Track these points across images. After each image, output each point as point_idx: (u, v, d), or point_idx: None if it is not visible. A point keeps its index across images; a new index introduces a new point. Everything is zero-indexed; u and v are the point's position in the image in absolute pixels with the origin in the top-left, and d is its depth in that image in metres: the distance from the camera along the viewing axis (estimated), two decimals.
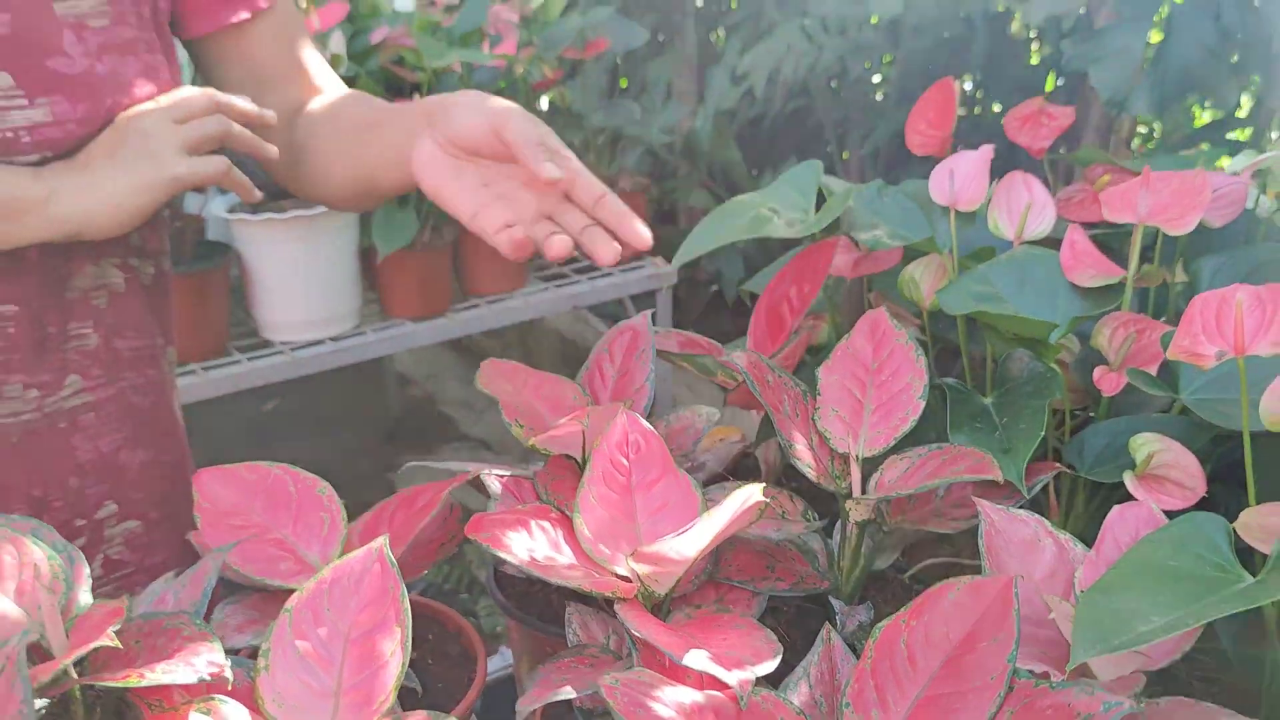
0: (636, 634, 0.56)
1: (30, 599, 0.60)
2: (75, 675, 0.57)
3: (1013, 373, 0.75)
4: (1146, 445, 0.66)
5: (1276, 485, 0.63)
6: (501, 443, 2.56)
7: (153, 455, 0.93)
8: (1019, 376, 0.75)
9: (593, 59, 1.84)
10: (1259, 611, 0.59)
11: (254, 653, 0.58)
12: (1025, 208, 0.82)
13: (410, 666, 0.61)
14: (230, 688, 0.55)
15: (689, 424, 0.76)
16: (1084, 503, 0.73)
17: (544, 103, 1.83)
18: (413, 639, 0.55)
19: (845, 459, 0.69)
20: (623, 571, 0.62)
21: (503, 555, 0.60)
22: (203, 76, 0.92)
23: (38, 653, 0.57)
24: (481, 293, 1.68)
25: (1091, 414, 0.78)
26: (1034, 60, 2.36)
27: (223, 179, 0.81)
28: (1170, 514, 0.61)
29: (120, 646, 0.53)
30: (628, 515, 0.65)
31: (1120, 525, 0.61)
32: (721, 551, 0.67)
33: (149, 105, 0.80)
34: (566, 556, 0.62)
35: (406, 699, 0.66)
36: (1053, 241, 0.81)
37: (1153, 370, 0.70)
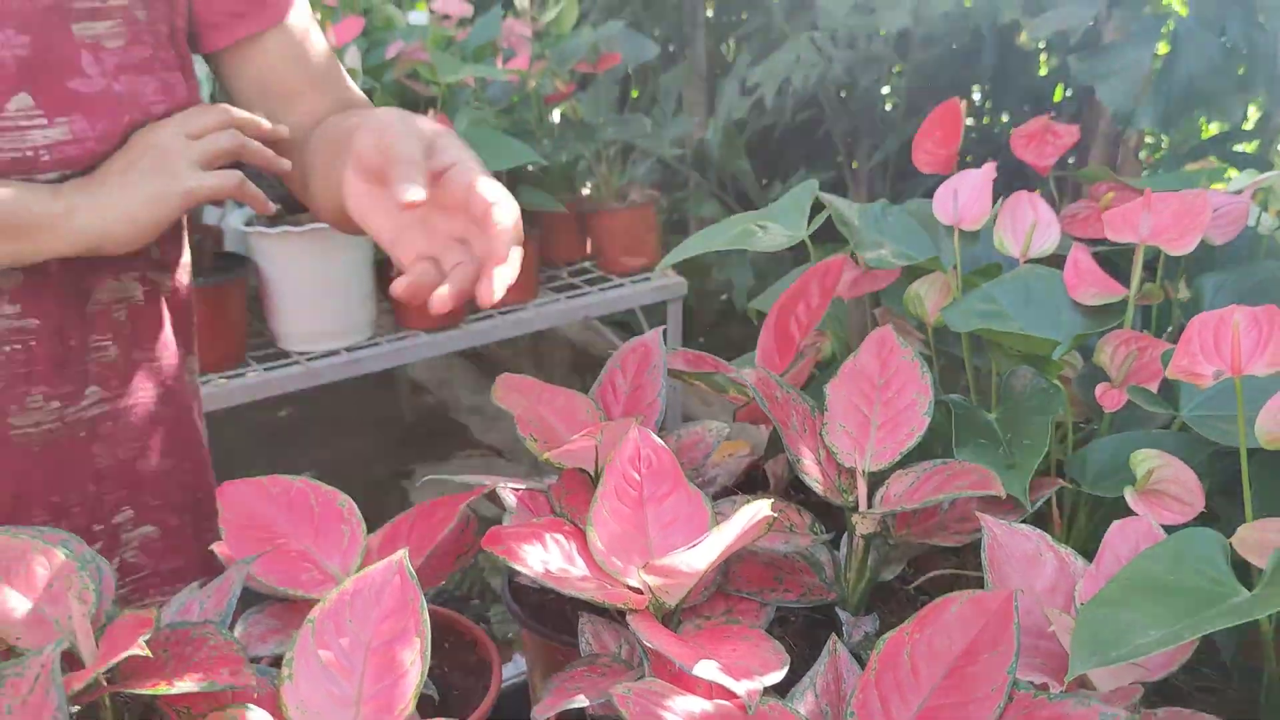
0: (648, 644, 0.58)
1: (61, 609, 0.62)
2: (104, 683, 0.59)
3: (1016, 389, 0.77)
4: (1147, 461, 0.67)
5: (1273, 500, 0.64)
6: (513, 450, 2.59)
7: (172, 463, 0.95)
8: (1023, 392, 0.76)
9: (604, 72, 1.86)
10: (1257, 625, 0.61)
11: (277, 661, 0.60)
12: (1030, 227, 0.83)
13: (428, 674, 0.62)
14: (255, 696, 0.57)
15: (699, 439, 0.78)
16: (1086, 517, 0.75)
17: (556, 115, 1.85)
18: (430, 648, 0.57)
19: (852, 473, 0.71)
20: (634, 583, 0.63)
21: (518, 568, 0.62)
22: (223, 93, 0.94)
23: (68, 661, 0.59)
24: (494, 304, 1.70)
25: (1094, 426, 0.80)
26: (1042, 71, 2.37)
27: (236, 192, 0.83)
28: (1170, 529, 0.62)
29: (151, 655, 0.55)
30: (639, 529, 0.66)
31: (1120, 540, 0.62)
32: (731, 564, 0.69)
33: (163, 121, 0.82)
34: (580, 569, 0.63)
35: (424, 706, 0.67)
36: (1057, 259, 0.82)
37: (1153, 387, 0.72)
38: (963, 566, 0.78)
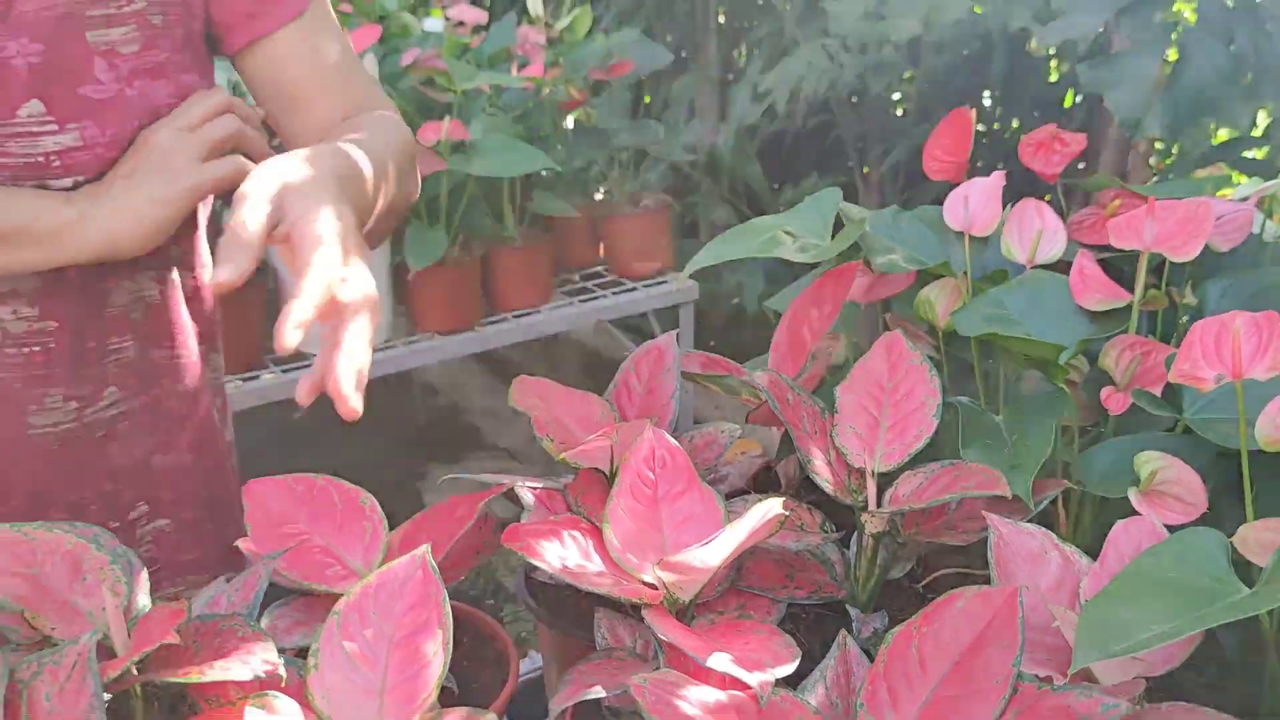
0: (663, 637, 0.59)
1: (94, 601, 0.64)
2: (135, 672, 0.61)
3: (1024, 392, 0.78)
4: (1150, 463, 0.69)
5: (1274, 501, 0.66)
6: (526, 452, 2.60)
7: (190, 459, 0.96)
8: (1029, 395, 0.78)
9: (617, 78, 1.88)
10: (1259, 624, 0.62)
11: (301, 653, 0.62)
12: (1037, 234, 0.85)
13: None
14: (282, 685, 0.59)
15: (712, 439, 0.80)
16: (1091, 517, 0.76)
17: (569, 121, 1.87)
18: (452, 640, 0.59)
19: (862, 474, 0.73)
20: (649, 579, 0.65)
21: (537, 563, 0.64)
22: (250, 98, 0.95)
23: (101, 651, 0.61)
24: (509, 307, 1.72)
25: (1101, 432, 0.81)
26: (1053, 78, 2.38)
27: (239, 176, 0.81)
28: (1172, 528, 0.64)
29: (183, 644, 0.57)
30: (654, 526, 0.68)
31: (1124, 539, 0.64)
32: (743, 561, 0.71)
33: (163, 119, 0.82)
34: (596, 564, 0.65)
35: (444, 698, 0.69)
36: (1064, 265, 0.84)
37: (1157, 391, 0.73)
38: (970, 565, 0.80)
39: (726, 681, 0.57)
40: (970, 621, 0.55)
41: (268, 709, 0.57)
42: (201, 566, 0.98)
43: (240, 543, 0.74)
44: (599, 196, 1.92)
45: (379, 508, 0.72)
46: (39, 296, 0.83)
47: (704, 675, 0.58)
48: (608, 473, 0.75)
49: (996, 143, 2.51)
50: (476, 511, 0.71)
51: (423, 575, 0.60)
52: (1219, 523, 0.62)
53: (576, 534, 0.67)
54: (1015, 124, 2.52)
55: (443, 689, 0.59)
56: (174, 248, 0.89)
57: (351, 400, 0.65)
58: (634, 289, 1.83)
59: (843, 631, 0.63)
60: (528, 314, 1.72)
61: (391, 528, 0.73)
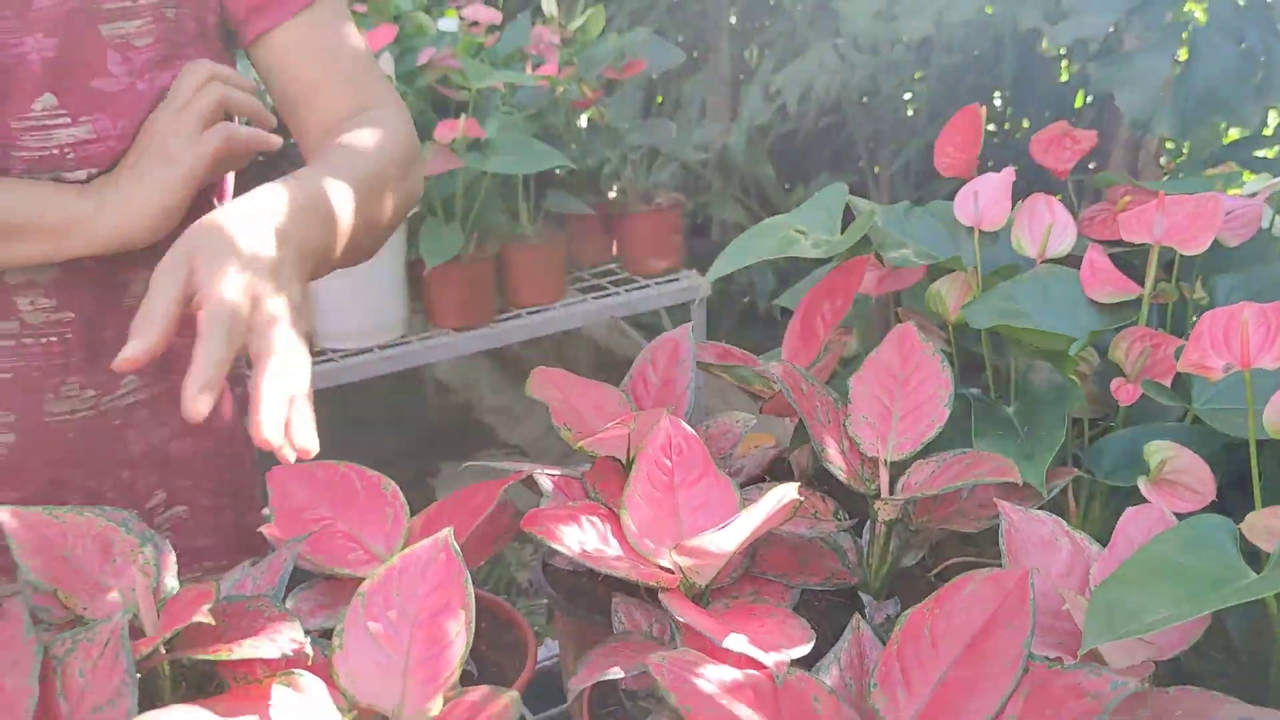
0: (680, 619, 0.61)
1: (124, 582, 0.66)
2: (164, 651, 0.62)
3: (1034, 384, 0.79)
4: (1160, 452, 0.70)
5: None
6: (537, 449, 2.62)
7: (208, 446, 0.97)
8: (1040, 387, 0.79)
9: (629, 78, 1.89)
10: (1266, 611, 0.63)
11: (325, 634, 0.63)
12: (1047, 228, 0.86)
13: None
14: (308, 664, 0.61)
15: (727, 429, 0.81)
16: (1101, 507, 0.77)
17: (583, 120, 1.89)
18: (474, 620, 0.60)
19: (874, 463, 0.74)
20: (666, 564, 0.66)
21: (556, 546, 0.65)
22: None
23: (131, 630, 0.63)
24: (523, 304, 1.74)
25: (1111, 425, 0.82)
26: (1063, 78, 2.39)
27: (230, 143, 0.82)
28: (1181, 517, 0.65)
29: (214, 623, 0.59)
30: (670, 512, 0.69)
31: (1133, 525, 0.65)
32: (757, 547, 0.72)
33: (160, 105, 0.82)
34: (614, 549, 0.66)
35: (463, 682, 0.70)
36: (1074, 259, 0.85)
37: (1167, 382, 0.74)
38: (980, 555, 0.81)
39: (742, 662, 0.59)
40: (982, 603, 0.56)
41: (294, 687, 0.59)
42: (218, 553, 0.99)
43: (264, 528, 0.75)
44: (612, 195, 1.94)
45: (400, 494, 0.74)
46: (56, 288, 0.84)
47: (720, 656, 0.59)
48: (624, 461, 0.76)
49: (1007, 143, 2.52)
50: (496, 498, 0.72)
51: (445, 557, 0.61)
52: (1227, 511, 0.63)
53: (595, 519, 0.68)
54: (1025, 124, 2.53)
55: (462, 672, 0.61)
56: None
57: (300, 440, 0.64)
58: (647, 286, 1.84)
59: (856, 615, 0.64)
60: (542, 310, 1.73)
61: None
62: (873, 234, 0.91)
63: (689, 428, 0.72)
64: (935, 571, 0.79)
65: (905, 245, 0.91)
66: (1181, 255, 0.83)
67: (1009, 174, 0.89)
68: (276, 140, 0.86)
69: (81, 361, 0.87)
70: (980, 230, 0.88)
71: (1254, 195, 0.89)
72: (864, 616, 0.70)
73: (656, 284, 1.85)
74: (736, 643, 0.58)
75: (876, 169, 2.48)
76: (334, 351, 1.61)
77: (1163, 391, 0.73)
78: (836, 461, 0.73)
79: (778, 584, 0.71)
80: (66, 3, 0.80)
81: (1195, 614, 0.54)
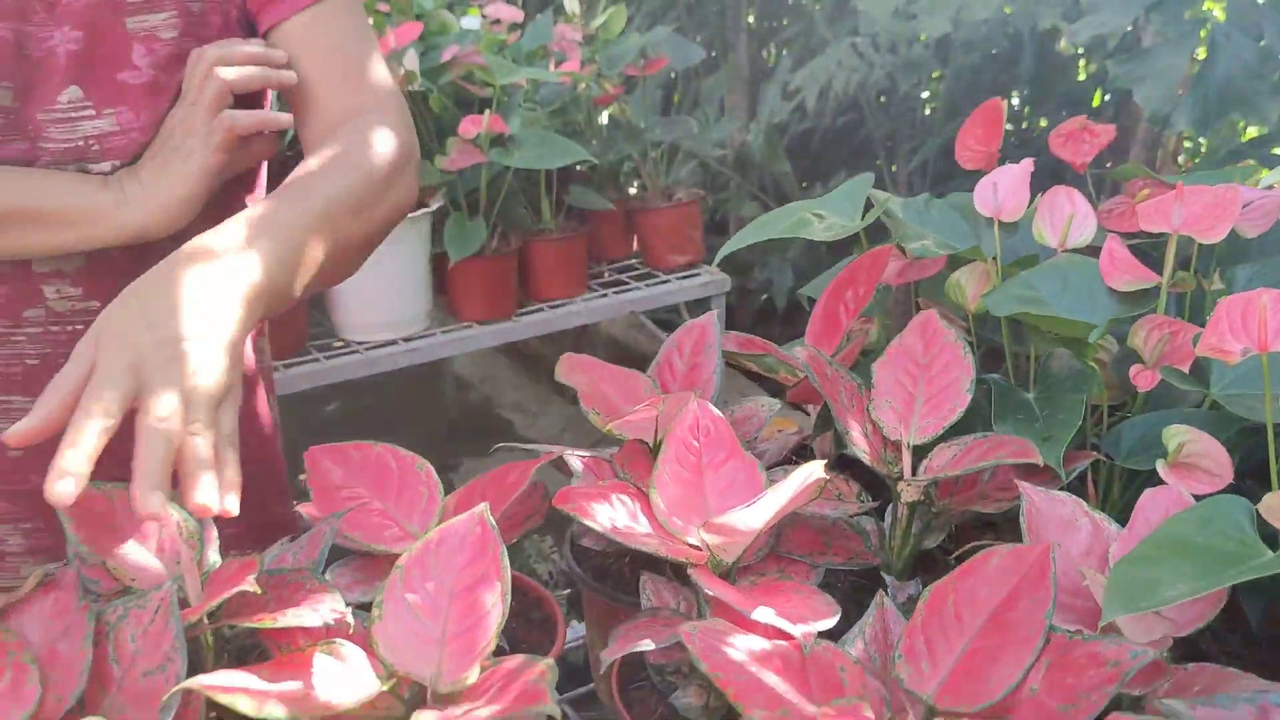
0: (709, 592, 0.62)
1: (169, 555, 0.68)
2: (206, 621, 0.64)
3: (1054, 370, 0.81)
4: (1178, 436, 0.71)
5: None
6: (554, 445, 2.64)
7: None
8: (1059, 374, 0.80)
9: (648, 76, 1.91)
10: None
11: (361, 608, 0.65)
12: (1068, 219, 0.87)
13: None
14: (349, 633, 0.63)
15: (752, 413, 0.83)
16: (1119, 491, 0.79)
17: (604, 117, 1.91)
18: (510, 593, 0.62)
19: (897, 446, 0.76)
20: (694, 541, 0.68)
21: (588, 523, 0.67)
22: None
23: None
24: (545, 298, 1.76)
25: (1128, 414, 0.84)
26: (1081, 77, 2.40)
27: (235, 129, 0.82)
28: (1199, 499, 0.66)
29: (260, 592, 0.61)
30: (698, 492, 0.71)
31: (1152, 506, 0.66)
32: (782, 528, 0.74)
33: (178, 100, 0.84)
34: (644, 526, 0.68)
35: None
36: (1093, 251, 0.86)
37: (1185, 368, 0.76)
38: (1000, 539, 0.82)
39: (770, 634, 0.60)
40: (1004, 577, 0.58)
41: (335, 655, 0.61)
42: (244, 542, 1.01)
43: (301, 507, 0.77)
44: (632, 191, 1.96)
45: (434, 473, 0.76)
46: (82, 277, 0.86)
47: (748, 629, 0.61)
48: (651, 444, 0.78)
49: (1024, 142, 2.53)
50: (529, 478, 0.74)
51: (481, 531, 0.63)
52: (1244, 495, 0.64)
53: (624, 497, 0.70)
54: (1043, 123, 2.53)
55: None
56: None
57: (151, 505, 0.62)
58: (666, 280, 1.86)
59: (880, 591, 0.66)
60: (563, 304, 1.75)
61: None
62: (894, 225, 0.93)
63: (716, 410, 0.73)
64: (956, 554, 0.80)
65: (925, 236, 0.92)
66: (1200, 247, 0.84)
67: (1028, 165, 0.90)
68: (284, 118, 0.86)
69: None
70: (999, 221, 0.89)
71: (1272, 187, 0.90)
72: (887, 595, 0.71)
73: (676, 279, 1.87)
74: (765, 615, 0.60)
75: (894, 167, 2.50)
76: (358, 344, 1.64)
77: (1181, 377, 0.74)
78: (860, 444, 0.75)
79: (802, 563, 0.73)
80: None
81: (1212, 588, 0.56)
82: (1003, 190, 0.89)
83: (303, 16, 0.87)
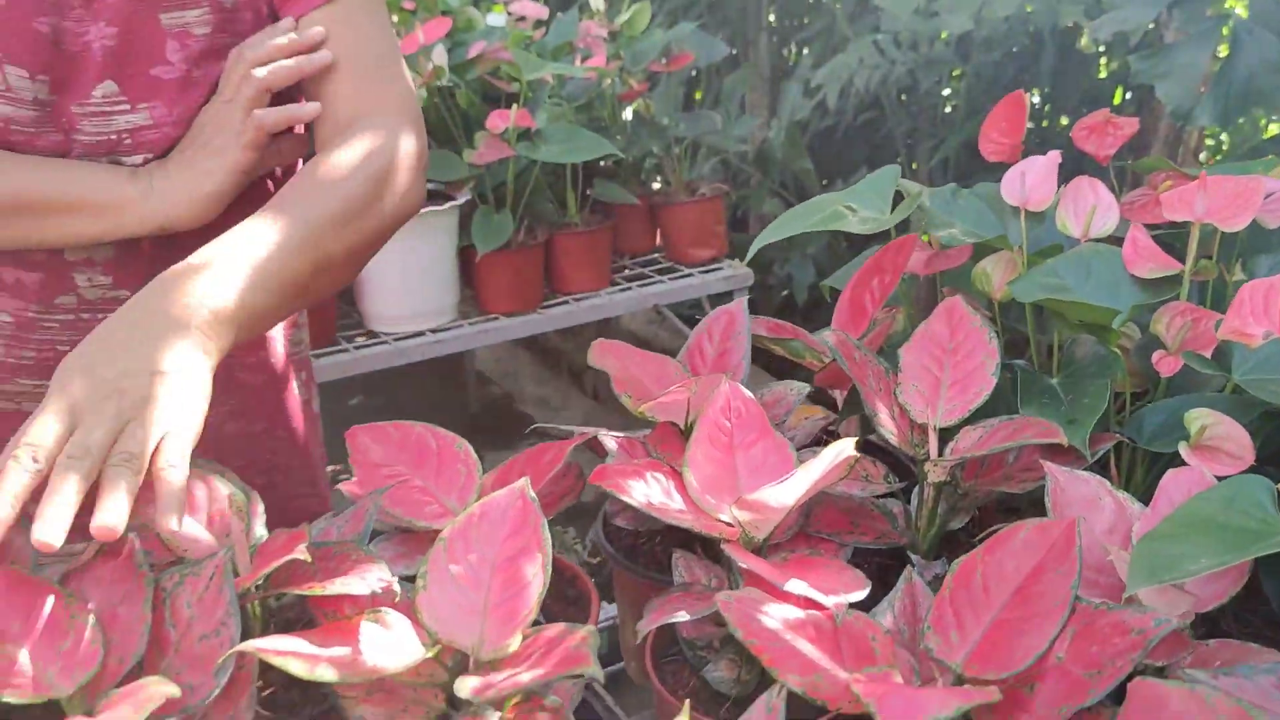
0: (743, 565, 0.64)
1: (219, 527, 0.70)
2: (254, 590, 0.67)
3: (1078, 356, 0.83)
4: (1200, 419, 0.73)
5: None
6: None
7: (262, 427, 1.01)
8: (1084, 359, 0.82)
9: (670, 74, 1.93)
10: None
11: (405, 580, 0.67)
12: (1091, 209, 0.89)
13: None
14: (394, 602, 0.65)
15: (781, 396, 0.84)
16: (1142, 474, 0.80)
17: (628, 113, 1.93)
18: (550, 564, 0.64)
19: (924, 429, 0.77)
20: (726, 518, 0.70)
21: (624, 499, 0.69)
22: None
23: None
24: (570, 290, 1.78)
25: (1151, 401, 0.85)
26: (1102, 74, 2.40)
27: (265, 127, 0.84)
28: (1220, 480, 0.68)
29: (310, 560, 0.63)
30: (730, 471, 0.73)
31: (1174, 486, 0.68)
32: (811, 507, 0.76)
33: (212, 97, 0.85)
34: (677, 502, 0.70)
35: None
36: (1116, 241, 0.88)
37: (1208, 354, 0.77)
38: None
39: (803, 605, 0.62)
40: (1031, 550, 0.60)
41: (381, 623, 0.63)
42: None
43: (344, 485, 0.80)
44: (655, 185, 1.98)
45: (473, 452, 0.78)
46: (113, 266, 0.88)
47: (781, 601, 0.63)
48: (682, 426, 0.80)
49: (1045, 140, 2.54)
50: (565, 456, 0.76)
51: (522, 505, 0.65)
52: (1265, 477, 0.66)
53: (659, 475, 0.72)
54: (1063, 121, 2.54)
55: None
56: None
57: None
58: (689, 275, 1.88)
59: (909, 567, 0.67)
60: (588, 297, 1.77)
61: None
62: (920, 216, 0.95)
63: (747, 392, 0.75)
64: (980, 536, 0.82)
65: (952, 225, 0.94)
66: (1222, 237, 0.85)
67: (1055, 156, 0.92)
68: (310, 108, 0.86)
69: None
70: (1026, 210, 0.91)
71: None
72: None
73: (699, 273, 1.89)
74: (798, 586, 0.62)
75: (914, 165, 2.51)
76: (387, 335, 1.66)
77: (1204, 362, 0.76)
78: (888, 426, 0.77)
79: (831, 542, 0.74)
80: None
81: (1234, 561, 0.57)
82: (1030, 180, 0.91)
83: (320, 14, 0.87)
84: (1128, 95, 2.36)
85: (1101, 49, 2.38)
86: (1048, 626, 0.57)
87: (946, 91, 2.59)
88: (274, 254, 0.75)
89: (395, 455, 0.78)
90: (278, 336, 1.01)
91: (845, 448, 0.67)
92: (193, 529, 0.69)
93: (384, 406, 2.75)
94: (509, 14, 1.92)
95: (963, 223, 0.94)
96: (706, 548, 0.76)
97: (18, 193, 0.82)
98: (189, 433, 0.66)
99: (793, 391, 0.84)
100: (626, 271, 1.89)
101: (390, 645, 0.61)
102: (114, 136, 0.84)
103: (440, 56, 1.66)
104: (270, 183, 0.96)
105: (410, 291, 1.64)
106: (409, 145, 0.86)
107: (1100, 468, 0.78)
